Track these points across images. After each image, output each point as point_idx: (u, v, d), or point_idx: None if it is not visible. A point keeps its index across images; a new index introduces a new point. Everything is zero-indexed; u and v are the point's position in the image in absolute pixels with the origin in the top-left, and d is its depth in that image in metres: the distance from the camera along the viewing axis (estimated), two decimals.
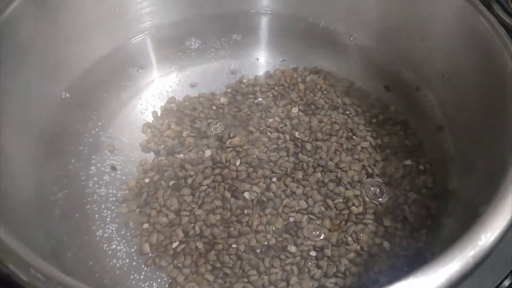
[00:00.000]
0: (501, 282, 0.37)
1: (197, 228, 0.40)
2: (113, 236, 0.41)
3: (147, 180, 0.44)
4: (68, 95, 0.45)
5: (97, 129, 0.47)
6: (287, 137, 0.47)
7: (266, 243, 0.39)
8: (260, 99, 0.50)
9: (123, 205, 0.43)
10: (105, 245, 0.40)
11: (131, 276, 0.39)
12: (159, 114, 0.50)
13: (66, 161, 0.44)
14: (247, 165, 0.44)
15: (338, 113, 0.49)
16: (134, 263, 0.40)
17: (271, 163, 0.44)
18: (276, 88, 0.52)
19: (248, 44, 0.56)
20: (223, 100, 0.50)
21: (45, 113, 0.43)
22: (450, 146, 0.43)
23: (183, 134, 0.47)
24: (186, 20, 0.54)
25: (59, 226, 0.39)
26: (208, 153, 0.45)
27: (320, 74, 0.53)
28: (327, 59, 0.54)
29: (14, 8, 0.39)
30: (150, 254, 0.40)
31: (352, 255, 0.39)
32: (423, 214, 0.41)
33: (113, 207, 0.43)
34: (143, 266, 0.39)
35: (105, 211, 0.42)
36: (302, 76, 0.53)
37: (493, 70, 0.36)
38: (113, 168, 0.45)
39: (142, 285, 0.38)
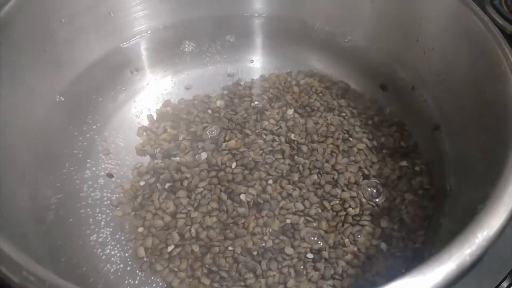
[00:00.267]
0: (500, 284, 0.36)
1: (193, 231, 0.40)
2: (108, 240, 0.41)
3: (142, 183, 0.44)
4: (63, 99, 0.45)
5: (92, 133, 0.47)
6: (283, 139, 0.46)
7: (263, 244, 0.39)
8: (256, 102, 0.50)
9: (118, 208, 0.42)
10: (99, 250, 0.40)
11: (126, 282, 0.38)
12: (154, 117, 0.50)
13: (60, 165, 0.44)
14: (243, 168, 0.44)
15: (334, 115, 0.49)
16: (128, 268, 0.39)
17: (266, 165, 0.44)
18: (271, 90, 0.51)
19: (242, 47, 0.56)
20: (219, 103, 0.50)
21: (39, 116, 0.43)
22: (446, 146, 0.43)
23: (179, 137, 0.47)
24: (180, 24, 0.54)
25: (53, 231, 0.39)
26: (204, 156, 0.45)
27: (315, 76, 0.53)
28: (322, 60, 0.54)
29: (6, 12, 0.39)
30: (145, 259, 0.39)
31: (349, 256, 0.39)
32: (420, 215, 0.41)
33: (107, 211, 0.42)
34: (137, 271, 0.39)
35: (100, 215, 0.42)
36: (296, 79, 0.53)
37: (488, 69, 0.36)
38: (110, 175, 0.44)
39: None
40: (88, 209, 0.42)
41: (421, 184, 0.43)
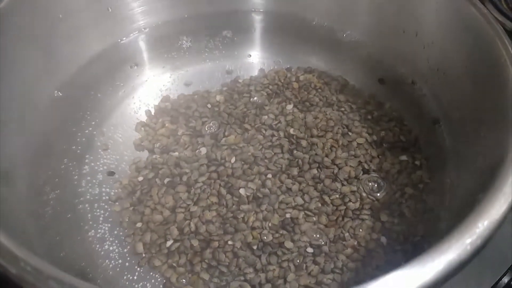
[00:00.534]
0: (500, 279, 0.36)
1: (192, 225, 0.40)
2: (106, 236, 0.40)
3: (140, 178, 0.43)
4: (61, 94, 0.45)
5: (90, 129, 0.47)
6: (282, 134, 0.46)
7: (265, 237, 0.39)
8: (255, 98, 0.50)
9: (116, 204, 0.42)
10: (98, 246, 0.40)
11: (124, 277, 0.38)
12: (152, 113, 0.50)
13: (58, 161, 0.43)
14: (243, 162, 0.44)
15: (333, 110, 0.49)
16: (127, 264, 0.39)
17: (266, 160, 0.44)
18: (270, 87, 0.51)
19: (241, 43, 0.56)
20: (218, 98, 0.50)
21: (37, 112, 0.43)
22: (445, 139, 0.43)
23: (178, 132, 0.47)
24: (178, 20, 0.54)
25: (52, 226, 0.39)
26: (203, 151, 0.45)
27: (314, 72, 0.53)
28: (321, 56, 0.54)
29: (3, 7, 0.39)
30: (143, 254, 0.39)
31: (349, 250, 0.39)
32: (420, 208, 0.41)
33: (106, 206, 0.42)
34: (136, 266, 0.39)
35: (98, 210, 0.42)
36: (295, 75, 0.53)
37: (488, 62, 0.36)
38: (110, 173, 0.44)
39: (136, 285, 0.38)
40: (87, 205, 0.42)
41: (421, 178, 0.43)
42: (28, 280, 0.23)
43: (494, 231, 0.25)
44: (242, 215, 0.40)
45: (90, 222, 0.41)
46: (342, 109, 0.49)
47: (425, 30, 0.45)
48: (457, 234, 0.24)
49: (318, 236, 0.39)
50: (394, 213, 0.41)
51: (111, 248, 0.40)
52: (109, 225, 0.41)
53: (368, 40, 0.51)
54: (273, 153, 0.45)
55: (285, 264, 0.37)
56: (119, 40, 0.52)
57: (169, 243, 0.39)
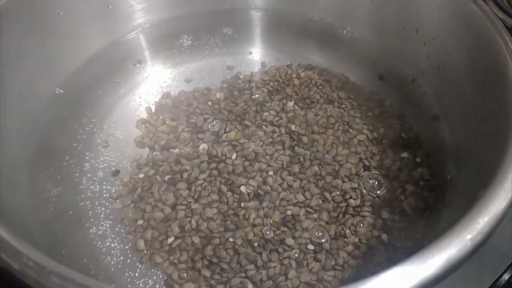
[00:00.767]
0: (501, 276, 0.36)
1: (193, 222, 0.40)
2: (107, 233, 0.41)
3: (141, 175, 0.43)
4: (62, 91, 0.45)
5: (91, 126, 0.47)
6: (283, 130, 0.46)
7: (267, 233, 0.39)
8: (257, 95, 0.50)
9: (117, 201, 0.42)
10: (99, 243, 0.40)
11: (126, 274, 0.38)
12: (153, 110, 0.50)
13: (60, 158, 0.43)
14: (243, 159, 0.44)
15: (334, 107, 0.49)
16: (128, 260, 0.39)
17: (267, 157, 0.44)
18: (271, 83, 0.51)
19: (242, 40, 0.56)
20: (219, 95, 0.50)
21: (38, 109, 0.42)
22: (446, 136, 0.43)
23: (179, 129, 0.47)
24: (179, 17, 0.54)
25: (53, 223, 0.39)
26: (204, 147, 0.45)
27: (315, 69, 0.53)
28: (321, 53, 0.54)
29: (4, 4, 0.38)
30: (145, 251, 0.39)
31: (350, 247, 0.39)
32: (421, 205, 0.41)
33: (107, 204, 0.42)
34: (137, 263, 0.39)
35: (99, 207, 0.42)
36: (296, 72, 0.53)
37: (488, 59, 0.36)
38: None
39: (137, 282, 0.38)
40: (88, 202, 0.42)
41: (422, 175, 0.43)
42: (30, 275, 0.23)
43: (495, 227, 0.25)
44: (243, 212, 0.40)
45: (92, 219, 0.41)
46: (343, 106, 0.49)
47: (426, 27, 0.45)
48: (458, 230, 0.24)
49: (319, 233, 0.39)
50: (395, 210, 0.41)
51: (112, 245, 0.40)
52: (110, 222, 0.41)
53: (368, 37, 0.51)
54: (274, 150, 0.45)
55: (286, 261, 0.38)
56: (120, 37, 0.51)
57: (170, 240, 0.39)
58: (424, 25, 0.45)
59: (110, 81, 0.50)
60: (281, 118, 0.47)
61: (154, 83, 0.52)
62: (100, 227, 0.41)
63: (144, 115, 0.49)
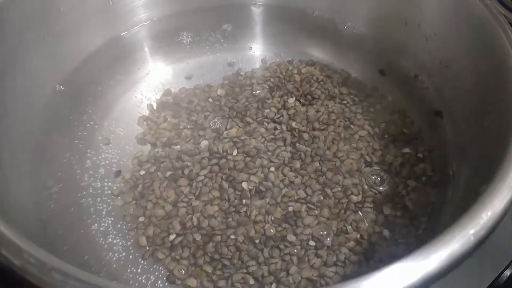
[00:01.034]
0: (502, 272, 0.36)
1: (194, 220, 0.40)
2: (109, 229, 0.40)
3: (142, 172, 0.43)
4: (63, 88, 0.45)
5: (92, 123, 0.47)
6: (284, 127, 0.46)
7: (268, 230, 0.39)
8: (258, 91, 0.50)
9: (119, 198, 0.42)
10: (101, 239, 0.40)
11: (128, 270, 0.38)
12: (154, 107, 0.50)
13: (61, 155, 0.43)
14: (245, 155, 0.44)
15: (335, 103, 0.49)
16: (130, 257, 0.39)
17: (268, 153, 0.44)
18: (272, 80, 0.51)
19: (242, 36, 0.55)
20: (220, 91, 0.50)
21: (39, 105, 0.42)
22: (448, 132, 0.43)
23: (180, 126, 0.47)
24: (180, 13, 0.54)
25: (55, 220, 0.39)
26: (205, 143, 0.45)
27: (316, 65, 0.53)
28: (323, 49, 0.54)
29: (4, 0, 0.38)
30: (147, 247, 0.39)
31: (351, 243, 0.39)
32: (423, 201, 0.41)
33: (108, 200, 0.42)
34: (140, 259, 0.39)
35: (101, 204, 0.42)
36: (297, 68, 0.53)
37: (491, 54, 0.36)
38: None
39: (139, 278, 0.38)
40: (89, 199, 0.42)
41: (424, 171, 0.43)
42: (31, 272, 0.23)
43: (498, 222, 0.25)
44: (244, 209, 0.40)
45: (93, 216, 0.41)
46: (345, 101, 0.49)
47: (428, 22, 0.45)
48: (461, 225, 0.24)
49: (321, 229, 0.39)
50: (397, 206, 0.41)
51: (114, 241, 0.40)
52: (112, 218, 0.41)
53: (370, 32, 0.51)
54: (275, 146, 0.44)
55: (287, 257, 0.38)
56: (121, 34, 0.51)
57: (172, 237, 0.39)
58: (426, 20, 0.45)
59: (111, 77, 0.50)
60: (282, 115, 0.47)
61: (155, 79, 0.52)
62: (102, 224, 0.41)
63: (145, 112, 0.49)
